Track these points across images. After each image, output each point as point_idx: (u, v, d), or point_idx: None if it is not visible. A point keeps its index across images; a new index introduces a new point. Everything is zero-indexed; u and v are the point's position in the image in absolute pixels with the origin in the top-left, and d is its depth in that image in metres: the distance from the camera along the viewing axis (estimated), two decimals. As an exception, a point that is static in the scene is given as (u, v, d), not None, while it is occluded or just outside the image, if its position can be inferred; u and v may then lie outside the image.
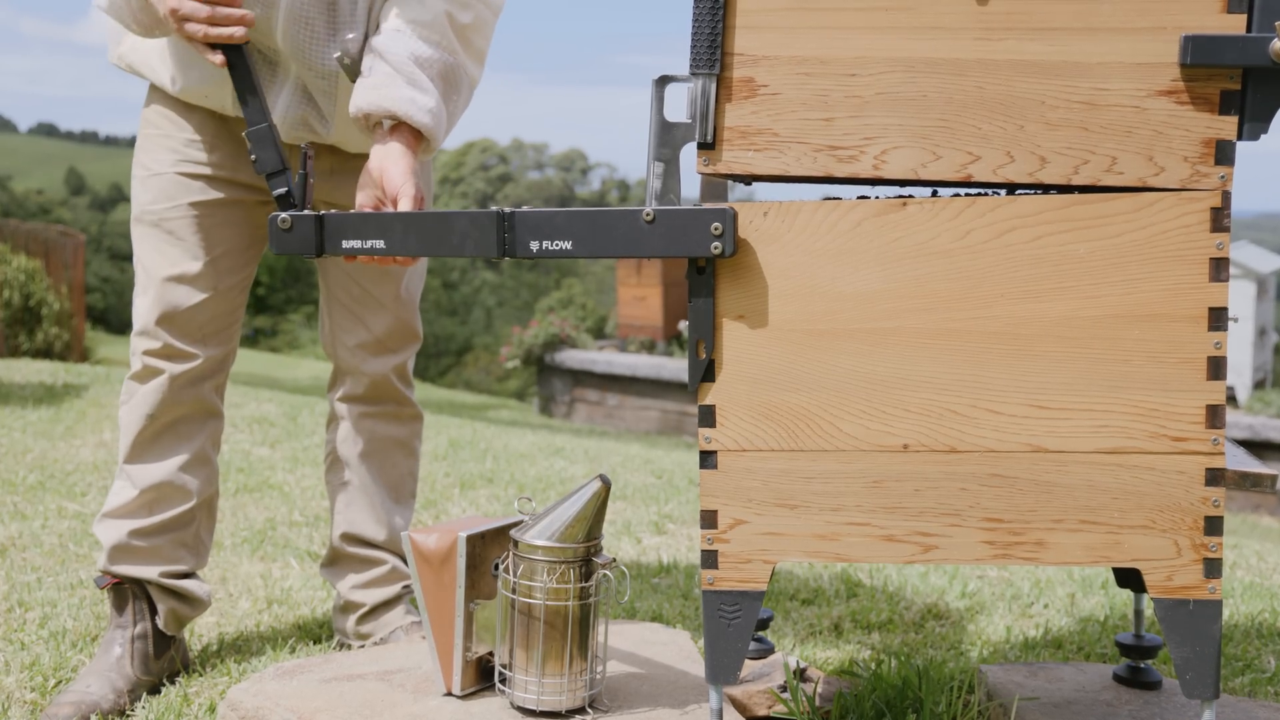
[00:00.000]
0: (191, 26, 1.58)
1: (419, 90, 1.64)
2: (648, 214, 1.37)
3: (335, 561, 2.05)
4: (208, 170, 1.83)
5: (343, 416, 2.01)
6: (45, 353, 9.64)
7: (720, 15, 1.36)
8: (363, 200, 1.65)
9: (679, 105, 1.39)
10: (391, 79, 1.63)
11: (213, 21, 1.57)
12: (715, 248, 1.36)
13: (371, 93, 1.64)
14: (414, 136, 1.66)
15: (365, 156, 1.88)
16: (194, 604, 1.90)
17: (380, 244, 1.47)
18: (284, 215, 1.51)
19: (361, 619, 2.00)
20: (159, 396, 1.82)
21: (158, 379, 1.82)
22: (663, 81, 1.39)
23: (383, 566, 2.01)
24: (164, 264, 1.82)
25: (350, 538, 2.01)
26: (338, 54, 1.69)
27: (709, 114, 1.37)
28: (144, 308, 1.83)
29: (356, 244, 1.48)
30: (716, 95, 1.37)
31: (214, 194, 1.83)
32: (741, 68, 1.37)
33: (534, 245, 1.42)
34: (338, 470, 2.02)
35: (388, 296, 1.96)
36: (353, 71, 1.70)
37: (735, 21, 1.37)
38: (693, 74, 1.37)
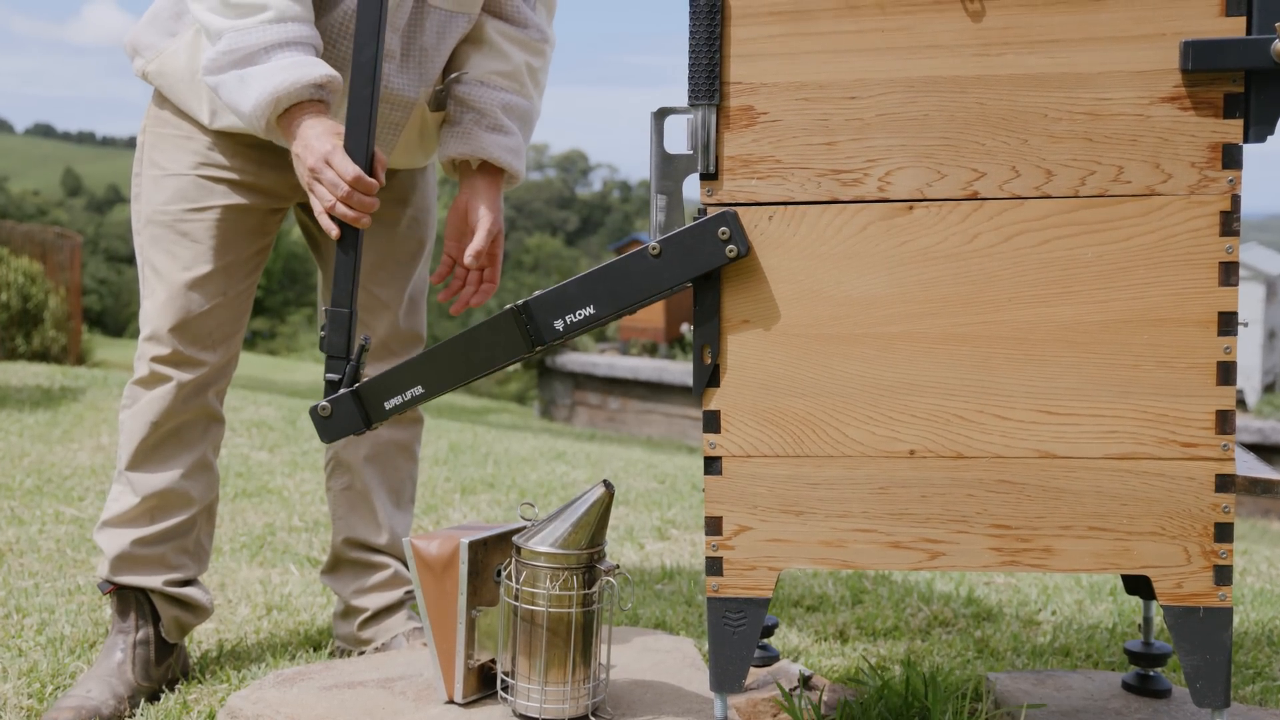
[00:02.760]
0: (322, 192, 1.58)
1: (505, 134, 1.80)
2: (653, 248, 1.38)
3: (337, 567, 2.03)
4: (231, 175, 1.79)
5: None
6: (42, 355, 9.61)
7: (717, 45, 1.35)
8: (448, 232, 1.81)
9: (679, 137, 1.39)
10: (477, 124, 1.79)
11: (346, 201, 1.57)
12: (730, 251, 1.35)
13: (462, 141, 1.79)
14: (498, 173, 1.81)
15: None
16: (197, 611, 1.89)
17: (418, 390, 1.52)
18: (322, 404, 1.57)
19: (364, 624, 1.99)
20: (165, 404, 1.80)
21: (164, 386, 1.80)
22: (661, 114, 1.39)
23: (385, 571, 2.00)
24: (177, 268, 1.79)
25: (353, 542, 2.00)
26: (437, 88, 1.83)
27: (710, 144, 1.37)
28: (154, 312, 1.80)
29: (398, 400, 1.54)
30: (717, 125, 1.36)
31: (235, 199, 1.80)
32: (739, 96, 1.37)
33: (559, 325, 1.43)
34: (339, 475, 2.01)
35: (394, 299, 1.95)
36: (435, 105, 1.84)
37: (731, 50, 1.36)
38: (692, 105, 1.37)
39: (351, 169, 1.56)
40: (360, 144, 1.57)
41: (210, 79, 1.62)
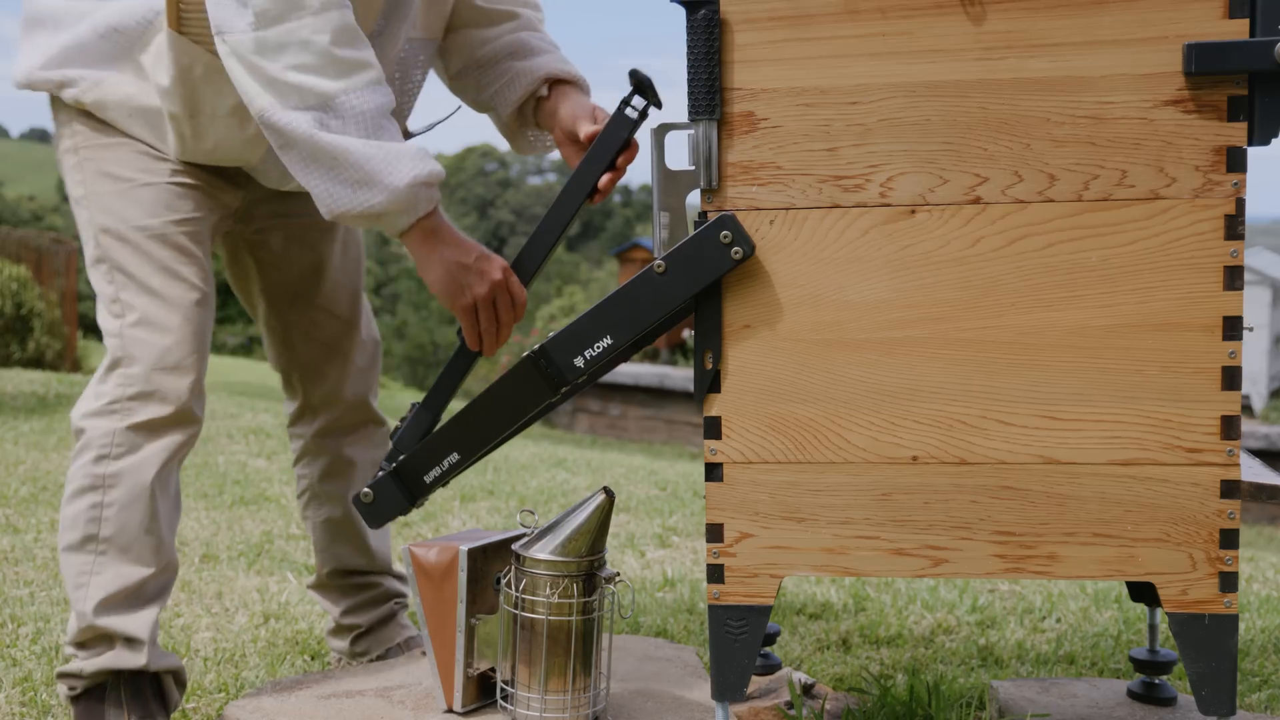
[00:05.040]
0: (485, 316, 1.52)
1: (544, 54, 1.71)
2: (658, 266, 1.37)
3: (324, 590, 1.99)
4: (200, 183, 1.63)
5: (323, 452, 1.89)
6: (36, 362, 9.58)
7: (716, 59, 1.35)
8: (565, 153, 1.67)
9: (680, 153, 1.38)
10: (513, 61, 1.71)
11: (502, 325, 1.53)
12: (736, 254, 1.35)
13: (518, 80, 1.70)
14: (567, 83, 1.70)
15: None
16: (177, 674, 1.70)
17: (455, 457, 1.52)
18: (365, 490, 1.56)
19: (357, 639, 1.97)
20: (168, 456, 1.56)
21: (172, 435, 1.56)
22: (662, 130, 1.38)
23: (373, 590, 1.96)
24: (183, 288, 1.56)
25: (340, 572, 1.95)
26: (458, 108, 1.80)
27: (712, 159, 1.36)
28: (163, 345, 1.55)
29: (437, 471, 1.53)
30: (719, 139, 1.35)
31: (206, 210, 1.64)
32: (740, 102, 1.36)
33: (579, 362, 1.42)
34: (319, 505, 1.92)
35: (353, 313, 1.87)
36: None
37: (733, 56, 1.36)
38: (692, 120, 1.36)
39: (520, 305, 1.53)
40: (527, 276, 1.54)
41: (328, 139, 1.42)
